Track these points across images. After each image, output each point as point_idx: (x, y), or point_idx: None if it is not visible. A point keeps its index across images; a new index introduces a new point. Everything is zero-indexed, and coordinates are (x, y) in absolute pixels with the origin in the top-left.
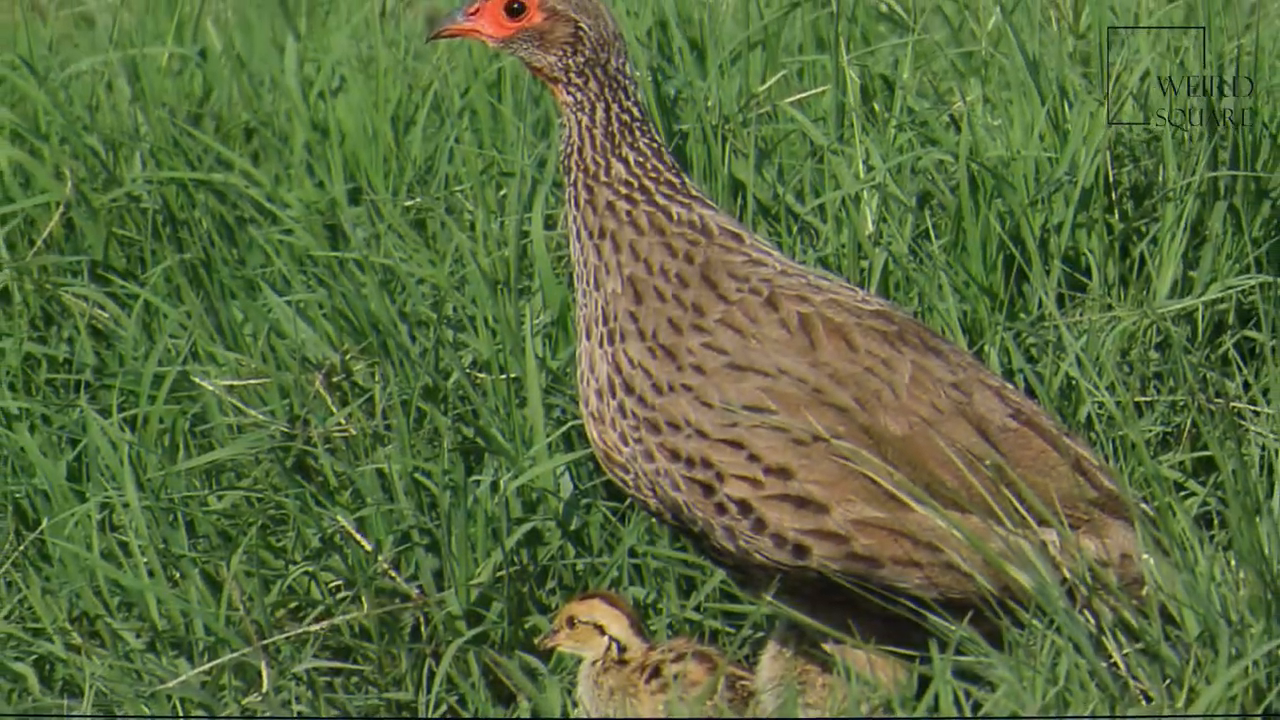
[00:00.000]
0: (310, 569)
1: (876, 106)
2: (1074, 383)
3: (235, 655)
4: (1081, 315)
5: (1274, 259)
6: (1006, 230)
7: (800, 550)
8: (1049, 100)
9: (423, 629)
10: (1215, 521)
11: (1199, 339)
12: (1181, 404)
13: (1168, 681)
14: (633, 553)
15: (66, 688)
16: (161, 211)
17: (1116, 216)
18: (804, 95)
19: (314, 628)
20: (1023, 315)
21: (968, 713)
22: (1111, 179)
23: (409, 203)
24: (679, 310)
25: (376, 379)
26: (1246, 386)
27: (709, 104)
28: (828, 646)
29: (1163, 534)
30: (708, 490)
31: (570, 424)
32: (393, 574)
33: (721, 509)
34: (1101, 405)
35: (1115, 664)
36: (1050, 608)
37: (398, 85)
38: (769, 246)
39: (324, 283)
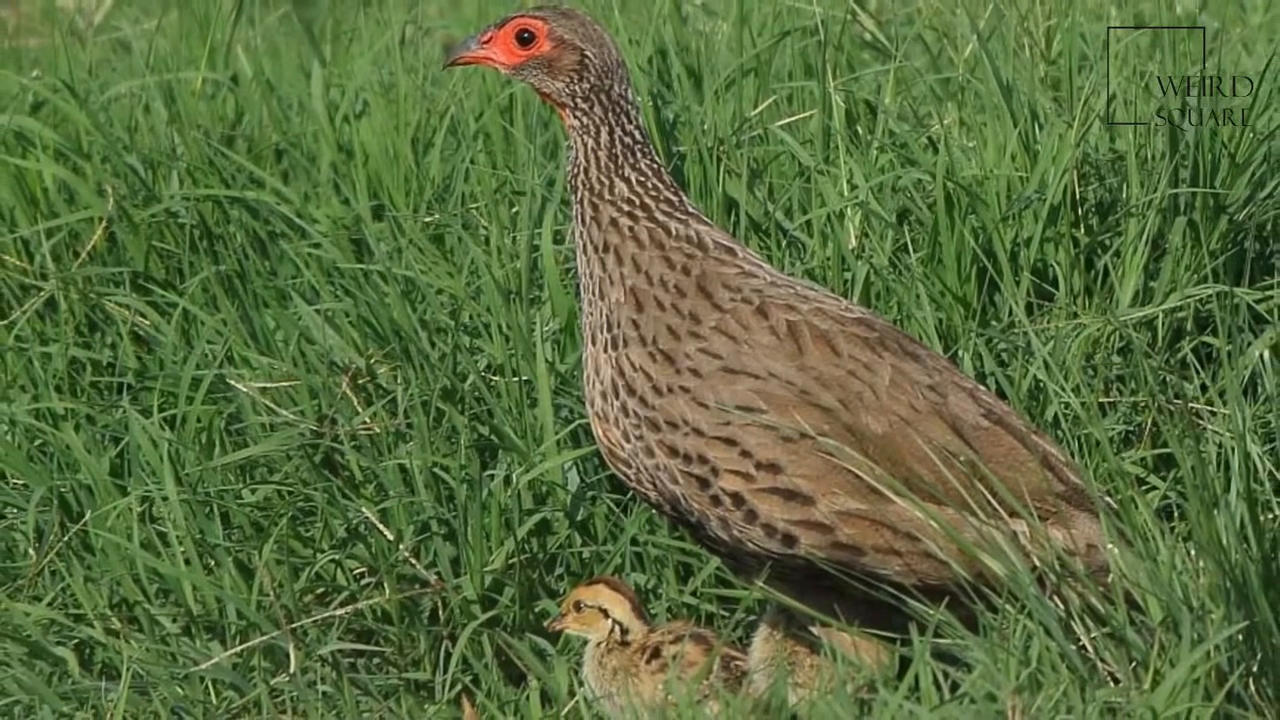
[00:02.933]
0: (336, 557)
1: (860, 129)
2: (1042, 385)
3: (265, 638)
4: (1049, 323)
5: (1230, 270)
6: (979, 244)
7: (789, 539)
8: (1021, 123)
9: (440, 613)
10: (1175, 514)
11: (1159, 344)
12: (1143, 405)
13: (1134, 664)
14: (634, 541)
15: (105, 670)
16: (198, 226)
17: (1082, 231)
18: (793, 119)
19: (339, 612)
20: (994, 323)
21: (946, 692)
22: (1078, 196)
23: (428, 219)
24: (677, 318)
25: (398, 381)
26: (1204, 389)
27: (705, 127)
28: (815, 629)
29: (1126, 525)
30: (703, 484)
31: (577, 423)
32: (413, 562)
33: (716, 501)
34: (1067, 405)
35: (1084, 647)
36: (1021, 594)
37: (417, 109)
38: (760, 260)
39: (350, 293)
